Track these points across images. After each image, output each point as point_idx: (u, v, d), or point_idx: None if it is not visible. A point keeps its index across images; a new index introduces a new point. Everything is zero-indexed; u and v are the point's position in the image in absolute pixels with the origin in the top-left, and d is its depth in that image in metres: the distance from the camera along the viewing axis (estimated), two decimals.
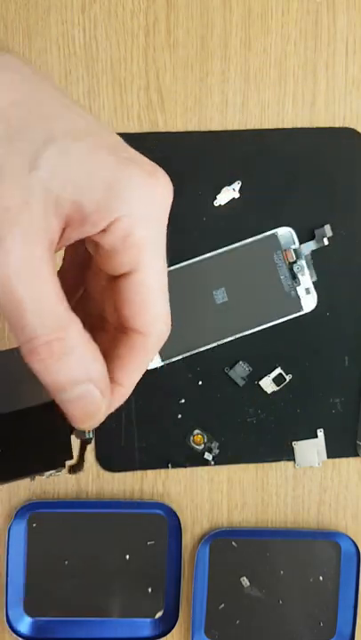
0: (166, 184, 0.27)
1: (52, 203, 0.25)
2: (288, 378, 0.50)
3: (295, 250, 0.49)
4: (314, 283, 0.50)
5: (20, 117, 0.26)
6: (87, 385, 0.26)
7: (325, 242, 0.49)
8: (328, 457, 0.51)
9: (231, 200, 0.49)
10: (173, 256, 0.48)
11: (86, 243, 0.28)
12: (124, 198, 0.26)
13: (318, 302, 0.50)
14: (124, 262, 0.28)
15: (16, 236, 0.25)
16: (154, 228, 0.28)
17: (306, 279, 0.50)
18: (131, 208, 0.27)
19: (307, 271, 0.50)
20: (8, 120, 0.26)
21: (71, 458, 0.30)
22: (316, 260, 0.50)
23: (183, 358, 0.50)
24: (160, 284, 0.29)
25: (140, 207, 0.27)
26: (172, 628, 0.50)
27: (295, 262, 0.49)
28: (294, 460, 0.51)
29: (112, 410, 0.28)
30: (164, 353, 0.49)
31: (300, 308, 0.50)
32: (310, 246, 0.50)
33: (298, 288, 0.50)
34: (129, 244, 0.27)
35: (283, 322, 0.50)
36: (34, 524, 0.50)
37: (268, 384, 0.50)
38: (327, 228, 0.49)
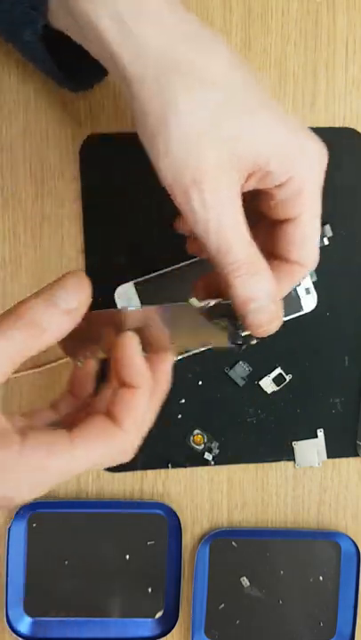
0: (324, 150, 0.36)
1: (251, 160, 0.33)
2: (288, 378, 0.50)
3: None
4: (314, 283, 0.50)
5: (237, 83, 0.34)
6: (269, 299, 0.35)
7: (325, 242, 0.49)
8: (328, 457, 0.51)
9: None
10: (173, 257, 0.48)
11: (258, 195, 0.36)
12: (300, 161, 0.35)
13: (318, 302, 0.50)
14: (292, 210, 0.36)
15: (230, 182, 0.33)
16: (317, 183, 0.36)
17: (306, 279, 0.50)
18: (303, 169, 0.35)
19: None
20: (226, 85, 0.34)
21: None
22: None
23: (183, 358, 0.50)
24: (316, 228, 0.37)
25: (308, 169, 0.35)
26: (172, 628, 0.50)
27: None
28: (294, 460, 0.51)
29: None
30: None
31: (300, 308, 0.50)
32: None
33: (298, 288, 0.50)
34: (298, 198, 0.35)
35: (283, 322, 0.50)
36: (34, 524, 0.50)
37: (268, 384, 0.50)
38: (327, 228, 0.49)
